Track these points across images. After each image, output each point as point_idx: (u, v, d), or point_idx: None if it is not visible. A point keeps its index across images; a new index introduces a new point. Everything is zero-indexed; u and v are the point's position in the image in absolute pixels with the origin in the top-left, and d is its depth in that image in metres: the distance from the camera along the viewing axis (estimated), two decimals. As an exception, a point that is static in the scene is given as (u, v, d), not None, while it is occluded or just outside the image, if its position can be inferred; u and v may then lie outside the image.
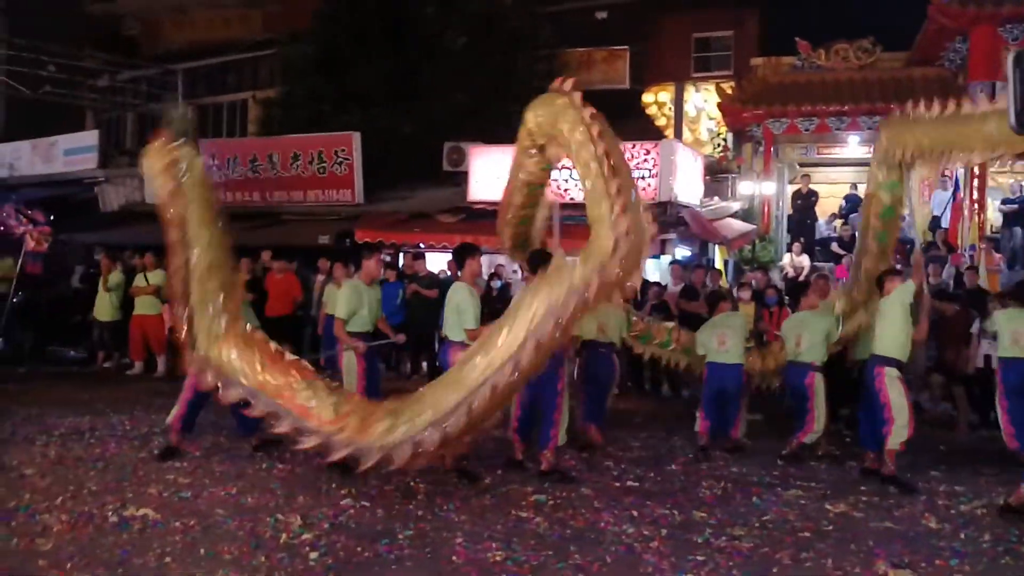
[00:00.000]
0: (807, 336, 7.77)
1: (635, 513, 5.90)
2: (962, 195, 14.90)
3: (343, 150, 15.14)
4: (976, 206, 14.44)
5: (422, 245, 13.73)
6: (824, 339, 7.81)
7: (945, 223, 15.29)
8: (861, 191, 16.82)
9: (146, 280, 11.82)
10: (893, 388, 6.84)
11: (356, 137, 15.05)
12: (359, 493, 6.15)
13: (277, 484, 6.41)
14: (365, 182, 15.41)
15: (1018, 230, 14.70)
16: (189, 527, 5.36)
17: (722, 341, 7.99)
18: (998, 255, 14.19)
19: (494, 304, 11.89)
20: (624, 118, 19.22)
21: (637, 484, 6.71)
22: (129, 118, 24.63)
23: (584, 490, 6.46)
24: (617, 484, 6.70)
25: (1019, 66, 0.97)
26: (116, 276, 12.24)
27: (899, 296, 6.99)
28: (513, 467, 7.00)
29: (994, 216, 15.50)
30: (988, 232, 14.96)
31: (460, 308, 6.66)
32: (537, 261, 6.46)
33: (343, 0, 17.90)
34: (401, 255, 13.76)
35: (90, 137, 20.33)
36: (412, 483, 6.44)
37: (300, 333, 12.56)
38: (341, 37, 17.55)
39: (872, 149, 8.66)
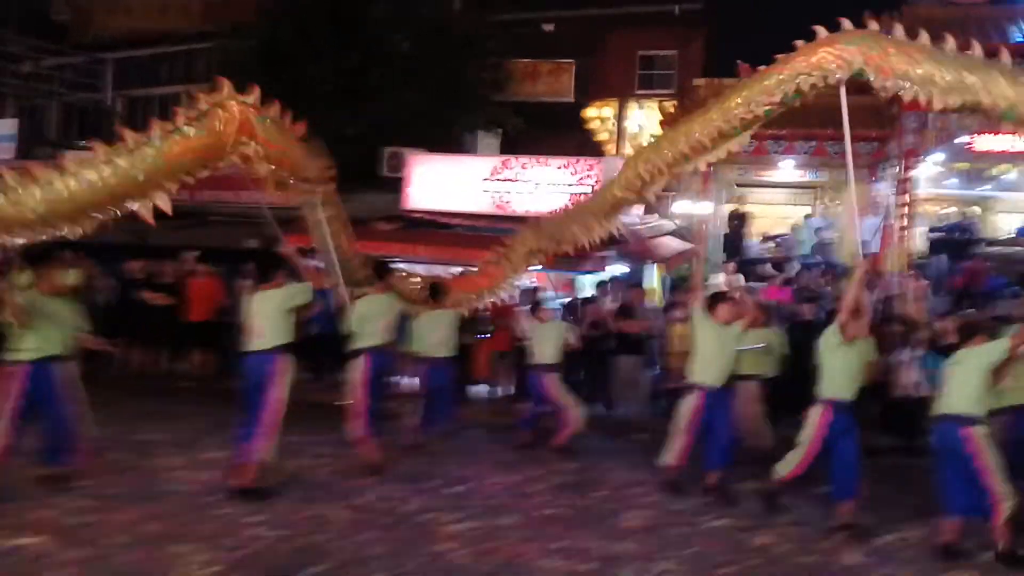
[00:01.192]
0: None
1: (560, 545, 5.73)
2: (891, 222, 15.17)
3: (278, 151, 14.69)
4: (904, 233, 14.67)
5: (355, 252, 13.38)
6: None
7: (874, 248, 15.55)
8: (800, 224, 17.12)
9: (62, 279, 11.26)
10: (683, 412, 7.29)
11: (292, 138, 14.62)
12: (272, 521, 5.85)
13: (183, 508, 6.06)
14: (300, 184, 14.98)
15: (944, 258, 15.00)
16: (85, 557, 5.02)
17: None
18: (924, 282, 14.42)
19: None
20: (567, 130, 19.28)
21: (563, 512, 6.53)
22: (54, 107, 23.70)
23: (507, 519, 6.26)
24: (544, 512, 6.52)
25: None
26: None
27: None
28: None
29: (921, 244, 15.80)
30: (915, 259, 15.23)
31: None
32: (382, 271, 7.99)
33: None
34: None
35: (9, 125, 19.45)
36: (328, 510, 6.17)
37: (222, 340, 12.14)
38: (284, 33, 17.11)
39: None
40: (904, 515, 6.86)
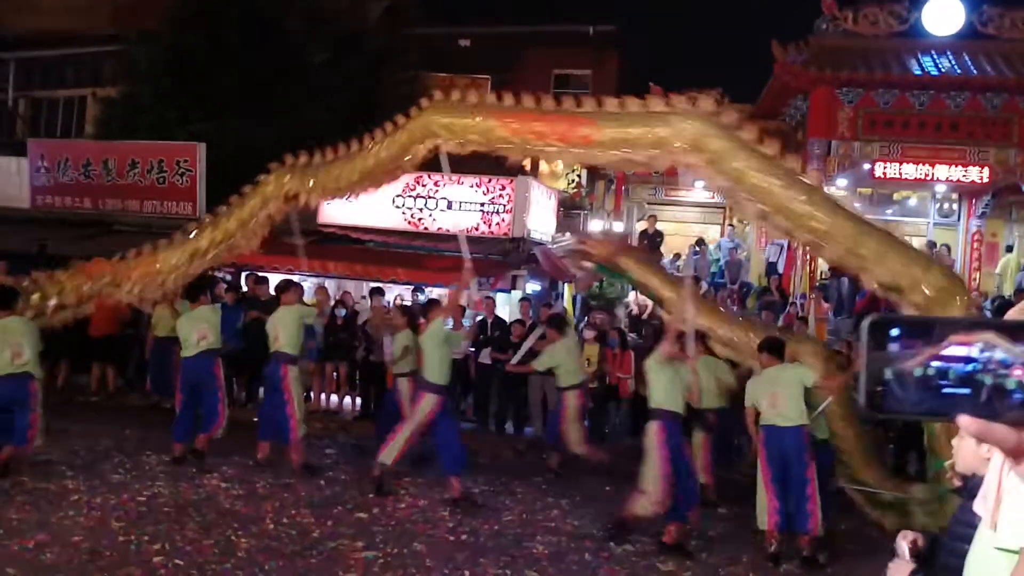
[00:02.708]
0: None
1: (467, 573, 5.76)
2: (796, 245, 15.69)
3: (186, 161, 14.39)
4: (808, 256, 15.19)
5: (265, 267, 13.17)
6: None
7: (781, 269, 16.07)
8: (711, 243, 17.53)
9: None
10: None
11: (201, 148, 14.33)
12: (173, 549, 5.72)
13: (82, 535, 5.88)
14: (210, 194, 14.67)
15: (845, 280, 15.52)
16: (-28, 592, 4.84)
17: None
18: (827, 304, 14.95)
19: (338, 333, 11.58)
20: (483, 147, 19.32)
21: (472, 538, 6.56)
22: (-48, 106, 22.61)
23: (417, 545, 6.25)
24: (451, 538, 6.54)
25: (871, 337, 0.91)
26: None
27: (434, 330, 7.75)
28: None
29: (825, 265, 16.34)
30: (819, 281, 15.76)
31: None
32: None
33: (196, 4, 17.07)
34: (243, 276, 13.15)
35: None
36: (234, 537, 6.07)
37: (126, 355, 11.81)
38: (195, 41, 16.73)
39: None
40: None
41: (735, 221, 19.23)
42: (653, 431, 6.65)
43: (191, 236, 8.66)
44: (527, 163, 19.54)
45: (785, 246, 16.30)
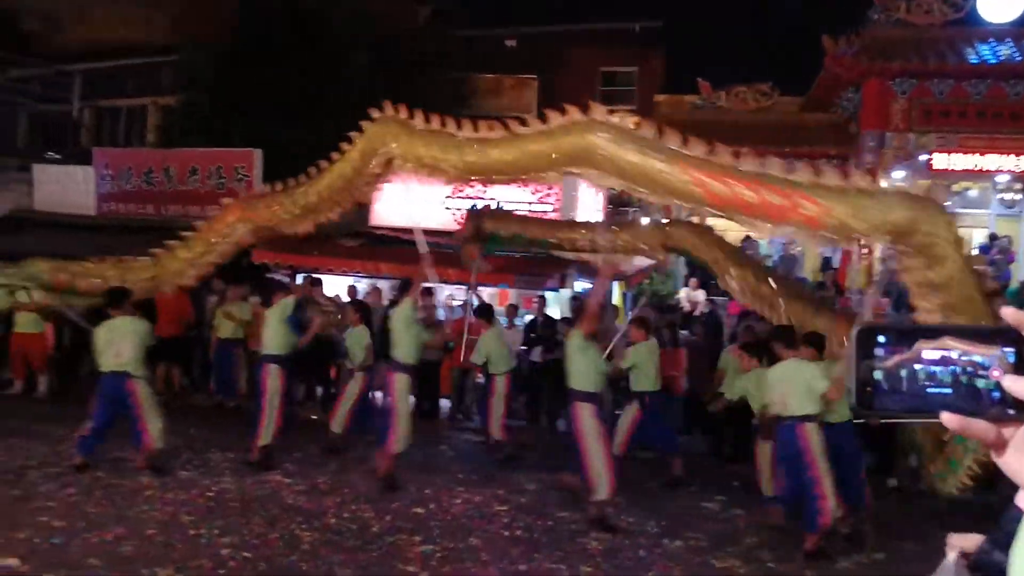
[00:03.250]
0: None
1: (522, 567, 5.91)
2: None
3: (243, 167, 14.76)
4: (865, 249, 15.02)
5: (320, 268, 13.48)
6: None
7: (836, 264, 15.93)
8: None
9: (28, 295, 11.18)
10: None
11: (257, 154, 14.70)
12: (241, 542, 5.98)
13: (156, 528, 6.17)
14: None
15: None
16: (58, 582, 5.13)
17: None
18: (885, 299, 14.76)
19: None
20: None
21: (526, 534, 6.71)
22: (21, 119, 23.44)
23: (473, 540, 6.43)
24: (506, 533, 6.70)
25: (860, 344, 1.02)
26: None
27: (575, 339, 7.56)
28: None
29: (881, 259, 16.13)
30: (876, 275, 15.57)
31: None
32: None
33: (247, 11, 17.48)
34: (299, 278, 13.45)
35: (-25, 136, 19.32)
36: (298, 531, 6.31)
37: (190, 355, 12.20)
38: (246, 49, 17.12)
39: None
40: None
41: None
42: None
43: (299, 191, 8.70)
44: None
45: (839, 240, 16.12)
